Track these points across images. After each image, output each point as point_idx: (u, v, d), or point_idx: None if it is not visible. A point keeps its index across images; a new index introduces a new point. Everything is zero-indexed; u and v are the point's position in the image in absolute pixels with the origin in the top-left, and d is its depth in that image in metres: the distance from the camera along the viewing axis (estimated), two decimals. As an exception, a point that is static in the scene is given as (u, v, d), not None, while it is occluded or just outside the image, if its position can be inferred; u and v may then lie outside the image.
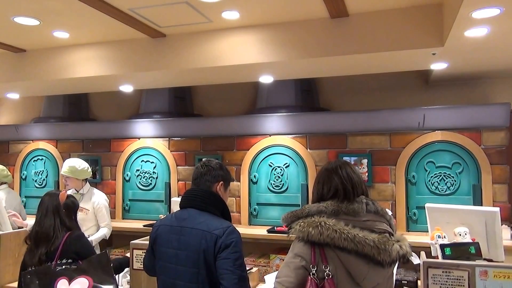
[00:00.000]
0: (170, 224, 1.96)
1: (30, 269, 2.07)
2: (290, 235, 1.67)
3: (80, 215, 3.65)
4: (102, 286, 1.98)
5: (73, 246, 2.17)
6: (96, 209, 3.70)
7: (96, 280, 1.98)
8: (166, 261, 1.92)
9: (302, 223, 1.62)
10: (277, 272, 2.94)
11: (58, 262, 2.05)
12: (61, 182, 5.50)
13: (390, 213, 1.78)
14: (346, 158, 4.43)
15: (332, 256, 1.57)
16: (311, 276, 1.55)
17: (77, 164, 3.70)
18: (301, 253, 1.60)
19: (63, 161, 5.42)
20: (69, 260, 2.07)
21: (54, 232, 2.18)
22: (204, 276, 1.81)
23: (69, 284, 1.95)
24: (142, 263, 2.54)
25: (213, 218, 1.90)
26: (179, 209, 2.04)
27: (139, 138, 5.22)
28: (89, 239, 3.57)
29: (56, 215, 2.27)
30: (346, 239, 1.53)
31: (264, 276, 2.76)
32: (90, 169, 3.79)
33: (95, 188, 3.91)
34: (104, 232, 3.70)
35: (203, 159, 2.12)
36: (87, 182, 3.80)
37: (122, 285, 2.82)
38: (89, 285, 1.94)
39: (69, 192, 3.86)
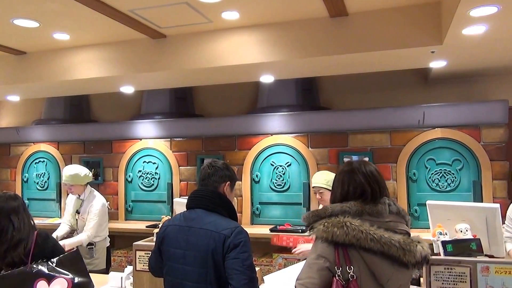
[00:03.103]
0: (178, 224, 1.97)
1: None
2: (311, 236, 1.64)
3: (79, 222, 3.64)
4: (80, 285, 1.93)
5: (46, 247, 2.12)
6: (88, 214, 3.60)
7: (74, 280, 1.94)
8: (174, 262, 1.93)
9: (326, 223, 1.58)
10: (278, 272, 2.95)
11: (33, 263, 1.98)
12: (63, 184, 5.50)
13: None
14: (347, 156, 4.45)
15: (356, 257, 1.54)
16: (337, 277, 1.52)
17: (78, 171, 3.62)
18: (325, 254, 1.56)
19: (65, 163, 5.47)
20: (44, 261, 2.03)
21: (29, 233, 2.11)
22: (212, 276, 1.82)
23: (49, 285, 1.89)
24: (145, 264, 2.55)
25: (221, 218, 1.91)
26: (183, 209, 2.05)
27: (140, 139, 5.24)
28: (62, 242, 3.41)
29: (27, 215, 2.17)
30: (373, 240, 1.51)
31: (264, 277, 2.76)
32: (90, 173, 3.74)
33: (96, 193, 3.78)
34: (81, 238, 3.51)
35: (209, 160, 2.12)
36: (88, 186, 3.72)
37: (125, 287, 2.82)
38: (69, 285, 1.89)
39: (71, 197, 3.81)
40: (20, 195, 5.65)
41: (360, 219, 1.58)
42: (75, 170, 3.63)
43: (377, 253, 1.52)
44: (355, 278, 1.52)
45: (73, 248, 3.29)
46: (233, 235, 1.82)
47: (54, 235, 3.57)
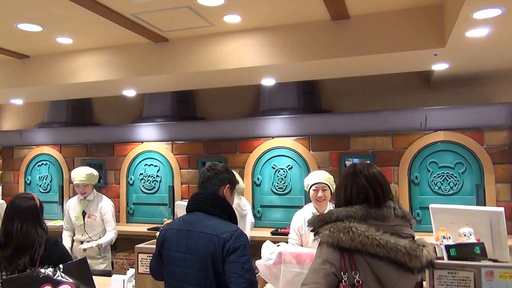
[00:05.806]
0: (178, 228, 1.97)
1: (4, 275, 2.02)
2: (316, 240, 1.63)
3: (88, 221, 3.82)
4: None
5: (54, 252, 2.14)
6: (102, 214, 3.84)
7: (79, 287, 1.97)
8: (174, 265, 1.93)
9: (331, 228, 1.57)
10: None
11: (39, 268, 2.00)
12: (65, 186, 5.52)
13: None
14: (349, 160, 4.44)
15: (362, 263, 1.53)
16: (344, 283, 1.51)
17: (91, 171, 3.83)
18: (331, 259, 1.55)
19: (67, 166, 5.49)
20: (50, 266, 2.04)
21: (37, 238, 2.12)
22: (212, 280, 1.82)
23: None
24: (147, 267, 2.55)
25: (220, 221, 1.91)
26: (185, 212, 2.05)
27: (142, 142, 5.24)
28: (98, 241, 3.71)
29: (37, 220, 2.18)
30: (379, 245, 1.50)
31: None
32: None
33: (101, 194, 4.02)
34: (111, 236, 3.84)
35: (209, 163, 2.12)
36: (94, 188, 3.95)
37: (127, 289, 2.83)
38: None
39: (72, 201, 3.95)
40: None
41: (366, 224, 1.56)
42: (89, 170, 3.82)
43: (383, 259, 1.51)
44: (360, 283, 1.51)
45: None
46: (232, 239, 1.81)
47: (67, 241, 3.85)
